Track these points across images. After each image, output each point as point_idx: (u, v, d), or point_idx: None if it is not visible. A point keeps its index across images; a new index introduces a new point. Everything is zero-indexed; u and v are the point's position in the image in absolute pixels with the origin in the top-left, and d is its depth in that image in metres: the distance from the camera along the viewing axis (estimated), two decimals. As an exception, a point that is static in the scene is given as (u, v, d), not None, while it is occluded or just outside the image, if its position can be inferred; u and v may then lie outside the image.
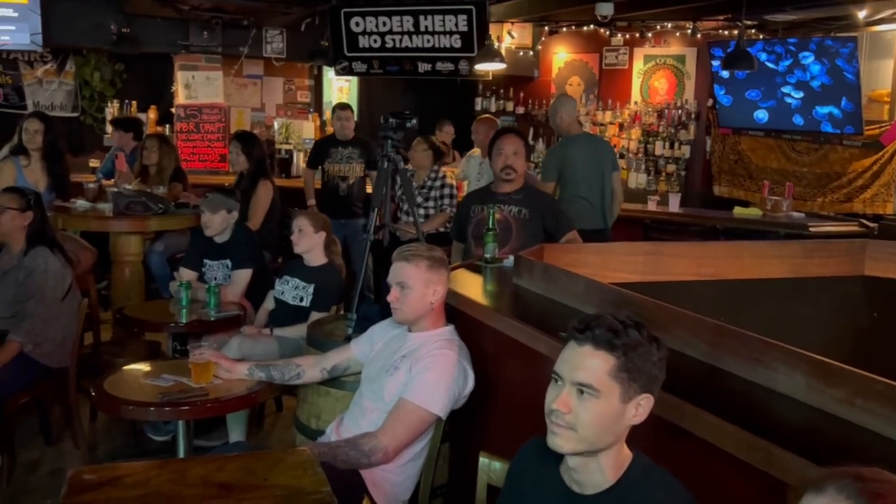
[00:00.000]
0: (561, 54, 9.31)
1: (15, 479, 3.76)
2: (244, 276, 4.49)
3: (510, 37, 8.93)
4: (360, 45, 7.80)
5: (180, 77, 8.60)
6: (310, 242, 4.16)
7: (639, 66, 8.80)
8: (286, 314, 4.11)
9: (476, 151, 6.44)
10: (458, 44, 7.49)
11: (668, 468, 1.66)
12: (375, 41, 7.75)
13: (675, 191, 7.85)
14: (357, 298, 3.49)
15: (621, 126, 8.79)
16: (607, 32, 8.70)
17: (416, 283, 2.68)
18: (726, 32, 8.20)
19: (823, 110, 7.41)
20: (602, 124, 8.84)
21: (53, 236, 4.04)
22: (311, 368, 3.04)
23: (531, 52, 9.21)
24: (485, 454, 2.19)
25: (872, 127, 7.32)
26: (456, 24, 7.38)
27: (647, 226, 6.61)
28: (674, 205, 7.04)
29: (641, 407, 1.62)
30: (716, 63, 7.94)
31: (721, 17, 7.97)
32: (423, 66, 7.73)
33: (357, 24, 7.71)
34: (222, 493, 2.00)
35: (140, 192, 5.77)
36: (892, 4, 6.68)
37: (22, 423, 4.04)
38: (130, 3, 7.75)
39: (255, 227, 5.32)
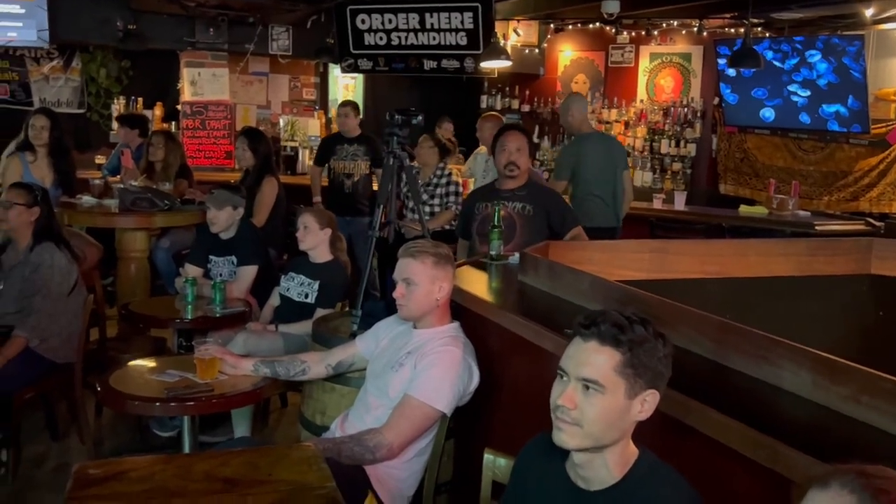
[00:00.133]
0: (567, 52, 9.30)
1: (20, 474, 3.77)
2: (250, 272, 4.49)
3: (516, 34, 8.92)
4: (366, 43, 7.81)
5: (186, 74, 8.62)
6: (315, 239, 4.16)
7: (645, 63, 8.79)
8: (291, 311, 4.11)
9: (482, 149, 6.44)
10: (463, 41, 7.50)
11: (674, 465, 1.66)
12: (381, 38, 7.76)
13: (681, 189, 7.84)
14: (362, 295, 3.49)
15: (627, 124, 8.77)
16: (613, 30, 8.69)
17: (421, 279, 2.68)
18: (733, 30, 8.18)
19: (830, 109, 7.39)
20: (608, 122, 8.83)
21: (60, 232, 4.04)
22: (316, 365, 3.04)
23: (537, 50, 9.20)
24: (489, 450, 2.20)
25: (879, 125, 7.30)
26: (462, 22, 7.39)
27: (652, 224, 6.60)
28: (679, 203, 7.03)
29: (647, 403, 1.62)
30: (722, 61, 7.92)
31: (727, 15, 7.96)
32: (429, 64, 7.74)
33: (363, 22, 7.72)
34: (227, 488, 2.01)
35: (146, 188, 5.78)
36: (899, 3, 6.66)
37: (27, 418, 4.05)
38: (137, -1, 7.78)
39: (260, 223, 5.33)
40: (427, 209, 5.60)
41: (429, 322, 2.75)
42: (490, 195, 4.18)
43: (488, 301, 3.02)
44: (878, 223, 6.27)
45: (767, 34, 7.97)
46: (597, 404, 1.58)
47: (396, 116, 3.64)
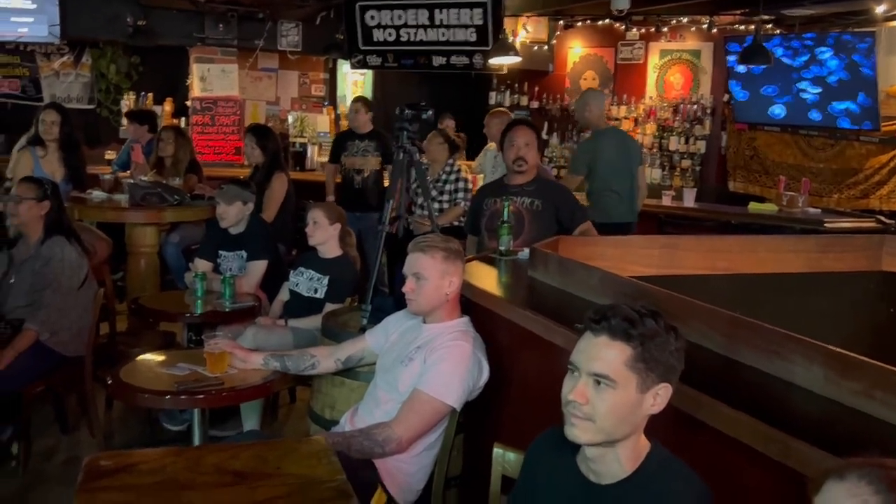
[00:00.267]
0: (576, 48, 9.28)
1: (31, 468, 3.78)
2: (259, 267, 4.50)
3: (525, 31, 8.89)
4: (375, 39, 7.80)
5: (196, 70, 8.63)
6: (324, 234, 4.16)
7: (654, 60, 8.76)
8: (301, 306, 4.12)
9: (492, 145, 6.44)
10: (472, 37, 7.48)
11: (685, 459, 1.66)
12: (390, 34, 7.75)
13: (690, 186, 7.81)
14: (372, 289, 3.49)
15: (636, 121, 8.75)
16: (623, 27, 8.66)
17: (431, 273, 2.68)
18: (743, 27, 8.15)
19: (840, 106, 7.36)
20: (616, 119, 8.80)
21: (70, 226, 4.06)
22: (326, 359, 3.04)
23: (546, 47, 9.18)
24: (499, 445, 2.20)
25: (890, 123, 7.26)
26: (471, 18, 7.37)
27: (661, 221, 6.59)
28: (689, 200, 7.00)
29: (659, 397, 1.61)
30: (732, 58, 7.89)
31: (738, 12, 7.92)
32: (438, 60, 7.72)
33: (372, 18, 7.71)
34: (237, 481, 2.02)
35: (156, 183, 5.80)
36: (911, -1, 6.62)
37: (38, 412, 4.05)
38: (147, -5, 7.80)
39: (269, 219, 5.34)
40: (436, 206, 5.60)
41: (438, 317, 2.75)
42: (499, 190, 4.18)
43: (498, 296, 3.02)
44: (888, 220, 6.23)
45: (778, 31, 7.93)
46: (608, 399, 1.58)
47: (406, 111, 3.64)
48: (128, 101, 8.67)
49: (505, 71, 8.67)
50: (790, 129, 8.03)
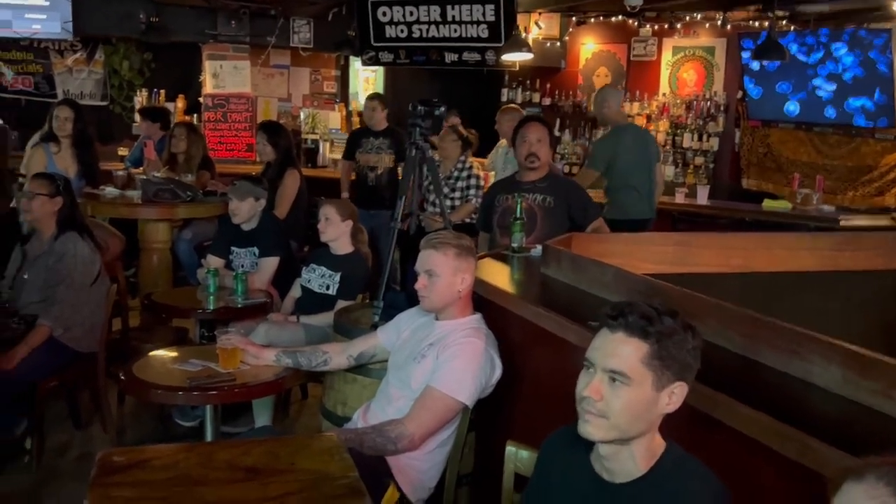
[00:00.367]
0: (588, 45, 9.24)
1: (44, 463, 3.80)
2: (271, 263, 4.50)
3: (537, 27, 8.86)
4: (387, 35, 7.79)
5: (208, 66, 8.65)
6: (336, 231, 4.16)
7: (667, 57, 8.71)
8: (312, 302, 4.12)
9: (503, 142, 6.43)
10: (485, 34, 7.46)
11: (701, 458, 1.64)
12: (402, 31, 7.74)
13: (703, 183, 7.77)
14: (384, 286, 3.49)
15: (649, 118, 8.70)
16: (636, 23, 8.62)
17: (443, 270, 2.67)
18: (757, 23, 8.09)
19: (856, 103, 7.29)
20: (630, 116, 8.75)
21: (83, 222, 4.07)
22: (338, 355, 3.04)
23: (558, 43, 9.14)
24: (511, 443, 2.19)
25: (906, 120, 7.20)
26: (483, 14, 7.36)
27: (675, 218, 6.56)
28: (702, 197, 6.97)
29: (675, 395, 1.60)
30: (746, 54, 7.83)
31: (752, 8, 7.86)
32: (450, 57, 7.71)
33: (384, 14, 7.70)
34: (249, 477, 2.01)
35: (168, 179, 5.81)
36: (928, -5, 6.56)
37: (51, 408, 4.07)
38: (159, -8, 7.83)
39: (281, 215, 5.34)
40: (448, 203, 5.59)
41: (451, 314, 2.74)
42: (511, 187, 4.17)
43: (511, 293, 3.01)
44: (904, 218, 6.19)
45: (792, 27, 7.87)
46: (623, 396, 1.57)
47: (419, 107, 3.62)
48: (140, 98, 8.70)
49: (517, 68, 8.65)
50: (804, 126, 7.96)
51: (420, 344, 2.74)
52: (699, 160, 8.41)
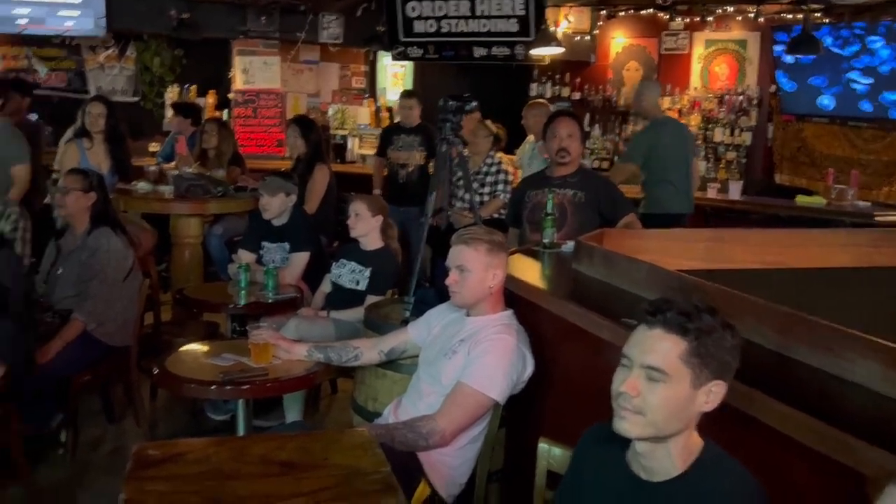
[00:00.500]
0: (619, 39, 9.16)
1: (77, 457, 3.84)
2: (302, 258, 4.52)
3: (567, 21, 8.80)
4: (416, 30, 7.77)
5: (238, 62, 8.71)
6: (366, 226, 4.17)
7: (699, 50, 8.62)
8: (342, 297, 4.13)
9: (531, 138, 6.40)
10: (514, 28, 7.41)
11: (737, 456, 1.62)
12: (431, 26, 7.71)
13: (736, 178, 7.69)
14: (414, 282, 3.48)
15: (680, 112, 8.60)
16: (667, 16, 8.52)
17: (475, 266, 2.66)
18: (790, 16, 7.97)
19: (892, 96, 7.17)
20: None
21: (116, 217, 4.11)
22: (369, 350, 3.04)
23: (588, 37, 9.07)
24: (544, 440, 2.18)
25: (944, 114, 7.07)
26: (513, 8, 7.30)
27: (707, 214, 6.50)
28: (735, 192, 6.90)
29: (713, 394, 1.58)
30: (779, 48, 7.73)
31: (785, 1, 7.76)
32: (479, 51, 7.66)
33: (413, 9, 7.68)
34: (283, 472, 2.02)
35: (200, 175, 5.85)
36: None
37: (84, 402, 4.11)
38: (190, -11, 7.88)
39: (311, 211, 5.36)
40: (476, 198, 5.57)
41: (482, 309, 2.73)
42: (541, 182, 4.14)
43: (542, 289, 2.99)
44: (940, 214, 6.08)
45: (827, 20, 7.75)
46: (660, 392, 1.55)
47: (450, 103, 3.61)
48: (171, 94, 8.76)
49: (546, 62, 8.60)
50: (839, 120, 7.84)
51: (451, 340, 2.73)
52: (731, 155, 8.31)
